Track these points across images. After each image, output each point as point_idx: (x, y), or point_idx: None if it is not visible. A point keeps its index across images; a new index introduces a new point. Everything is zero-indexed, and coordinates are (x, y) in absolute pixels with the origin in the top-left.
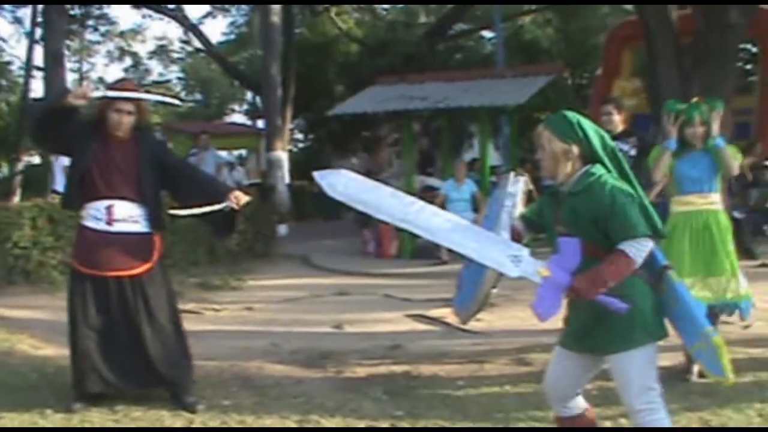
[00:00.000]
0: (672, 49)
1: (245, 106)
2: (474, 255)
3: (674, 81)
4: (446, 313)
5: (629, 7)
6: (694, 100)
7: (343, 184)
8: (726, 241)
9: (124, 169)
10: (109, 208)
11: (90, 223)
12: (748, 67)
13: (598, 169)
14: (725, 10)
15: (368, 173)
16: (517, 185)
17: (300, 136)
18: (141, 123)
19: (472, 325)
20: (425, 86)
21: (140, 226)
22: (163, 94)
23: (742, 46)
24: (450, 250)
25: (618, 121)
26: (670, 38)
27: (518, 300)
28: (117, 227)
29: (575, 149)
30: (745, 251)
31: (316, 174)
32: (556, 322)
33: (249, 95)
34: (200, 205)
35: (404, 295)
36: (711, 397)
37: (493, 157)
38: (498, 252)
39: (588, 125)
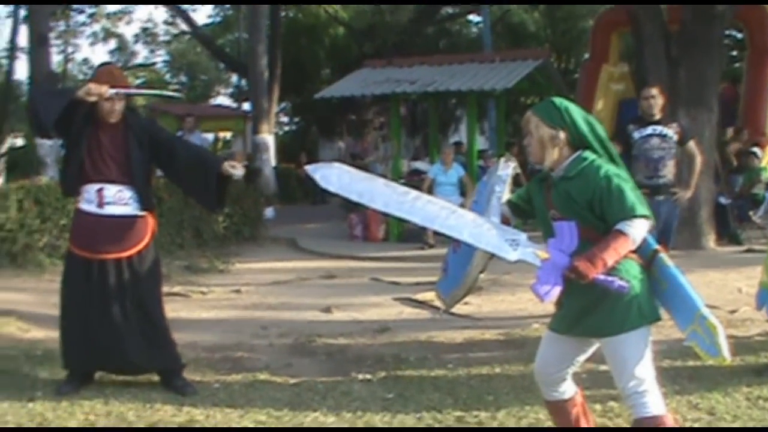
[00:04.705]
0: (660, 35)
1: (231, 89)
2: (471, 240)
3: (662, 67)
4: (434, 297)
5: None
6: None
7: (336, 175)
8: None
9: (113, 152)
10: (99, 191)
11: (84, 206)
12: (734, 53)
13: (589, 154)
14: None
15: (354, 157)
16: (507, 170)
17: (286, 119)
18: (130, 104)
19: (460, 308)
20: (413, 70)
21: (131, 209)
22: (156, 87)
23: (728, 32)
24: (437, 234)
25: (661, 106)
26: (658, 25)
27: (505, 284)
28: (107, 210)
29: (562, 135)
30: (730, 237)
31: (308, 167)
32: (545, 306)
33: (235, 78)
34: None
35: (392, 279)
36: (698, 381)
37: (479, 141)
38: (495, 237)
39: (576, 111)
